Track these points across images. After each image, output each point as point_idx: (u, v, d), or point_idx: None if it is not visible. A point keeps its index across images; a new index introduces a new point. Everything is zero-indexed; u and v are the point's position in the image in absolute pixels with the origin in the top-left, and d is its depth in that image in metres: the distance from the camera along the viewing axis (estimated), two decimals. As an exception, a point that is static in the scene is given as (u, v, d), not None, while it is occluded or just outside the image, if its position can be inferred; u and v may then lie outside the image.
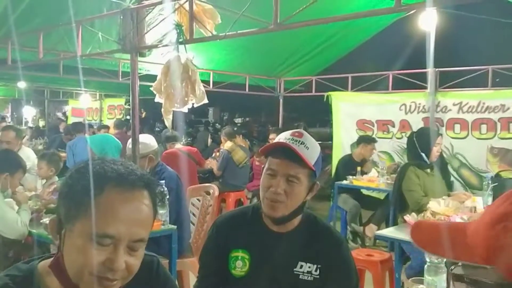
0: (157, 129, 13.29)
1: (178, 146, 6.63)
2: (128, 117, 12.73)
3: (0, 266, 3.38)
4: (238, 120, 21.39)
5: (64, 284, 1.10)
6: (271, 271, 1.77)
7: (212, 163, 7.51)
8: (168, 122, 3.45)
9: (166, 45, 3.34)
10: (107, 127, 9.80)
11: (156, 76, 6.60)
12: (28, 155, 4.97)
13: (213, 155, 8.04)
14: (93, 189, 1.06)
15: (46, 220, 3.37)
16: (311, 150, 1.71)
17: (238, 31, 3.00)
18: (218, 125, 17.86)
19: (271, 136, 7.62)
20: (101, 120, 11.77)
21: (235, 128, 9.09)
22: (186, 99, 3.29)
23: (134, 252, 1.08)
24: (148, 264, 1.26)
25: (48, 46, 5.02)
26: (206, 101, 3.44)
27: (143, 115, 13.96)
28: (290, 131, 1.76)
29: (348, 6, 5.49)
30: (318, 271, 1.75)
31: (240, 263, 1.80)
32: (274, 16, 2.81)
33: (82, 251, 1.04)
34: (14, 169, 3.48)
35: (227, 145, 7.26)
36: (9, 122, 13.89)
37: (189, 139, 10.31)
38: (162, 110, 3.43)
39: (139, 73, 4.11)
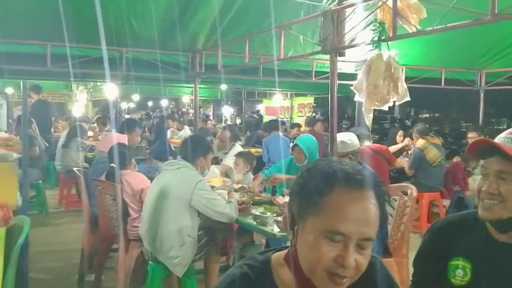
0: (344, 126, 13.39)
1: (367, 143, 6.56)
2: (314, 115, 13.14)
3: (211, 250, 3.83)
4: (426, 116, 20.19)
5: (297, 277, 1.18)
6: (496, 285, 1.64)
7: (403, 162, 7.25)
8: (368, 121, 3.46)
9: (368, 44, 3.33)
10: (299, 125, 10.24)
11: (348, 74, 6.70)
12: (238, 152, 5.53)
13: (404, 153, 7.76)
14: (323, 188, 1.12)
15: (254, 211, 3.72)
16: None
17: (448, 24, 2.83)
18: (408, 122, 17.05)
19: (470, 135, 7.00)
20: (291, 118, 12.36)
21: (427, 125, 8.60)
22: (387, 97, 3.25)
23: (362, 250, 1.12)
24: (372, 265, 1.27)
25: (252, 51, 5.45)
26: (408, 98, 3.35)
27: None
28: (508, 131, 1.61)
29: None
30: None
31: (460, 272, 1.70)
32: (491, 6, 2.58)
33: (314, 247, 1.10)
34: (206, 152, 3.85)
35: (419, 142, 6.92)
36: (211, 119, 15.59)
37: (376, 136, 10.13)
38: (363, 109, 3.44)
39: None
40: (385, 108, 3.46)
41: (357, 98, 3.56)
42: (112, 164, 4.21)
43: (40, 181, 6.75)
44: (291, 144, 6.83)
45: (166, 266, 3.49)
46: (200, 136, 4.78)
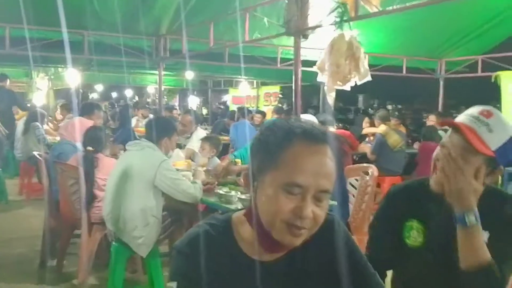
0: (310, 114, 13.52)
1: (331, 129, 6.67)
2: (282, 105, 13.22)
3: (175, 231, 3.84)
4: (389, 107, 20.61)
5: (257, 231, 1.21)
6: (447, 248, 1.71)
7: (365, 148, 7.41)
8: (331, 100, 3.52)
9: (331, 24, 3.38)
10: (264, 113, 10.29)
11: (312, 61, 6.78)
12: (200, 136, 5.51)
13: (367, 139, 7.92)
14: (282, 142, 1.15)
15: (219, 191, 3.74)
16: (495, 134, 1.60)
17: (407, 4, 2.92)
18: (371, 110, 17.42)
19: (430, 117, 7.22)
20: (257, 107, 12.40)
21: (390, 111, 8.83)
22: (349, 76, 3.32)
23: (319, 203, 1.15)
24: (329, 222, 1.30)
25: (217, 37, 5.44)
26: (369, 78, 3.43)
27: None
28: (479, 108, 1.65)
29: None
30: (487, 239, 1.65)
31: (414, 233, 1.77)
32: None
33: (273, 200, 1.13)
34: (171, 132, 3.83)
35: (381, 128, 7.09)
36: (176, 109, 15.42)
37: (340, 125, 10.32)
38: (325, 88, 3.50)
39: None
40: (347, 88, 3.53)
41: (319, 78, 3.62)
42: (88, 148, 4.15)
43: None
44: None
45: (130, 246, 3.47)
46: (165, 117, 4.75)
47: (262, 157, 1.18)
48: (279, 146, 1.15)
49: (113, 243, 3.55)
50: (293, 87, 3.80)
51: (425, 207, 1.77)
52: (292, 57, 6.62)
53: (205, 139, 5.18)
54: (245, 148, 4.92)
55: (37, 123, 7.11)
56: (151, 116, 10.71)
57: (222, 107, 19.51)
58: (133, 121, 10.12)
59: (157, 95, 19.70)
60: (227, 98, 17.37)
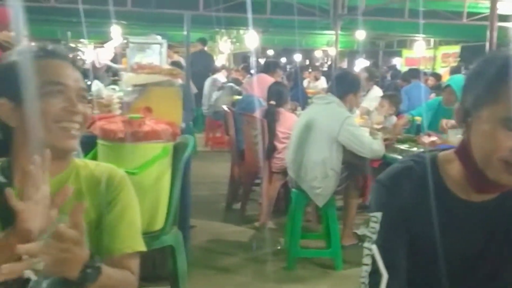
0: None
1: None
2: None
3: (350, 185, 3.89)
4: None
5: (468, 169, 1.16)
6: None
7: None
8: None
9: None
10: (439, 76, 9.60)
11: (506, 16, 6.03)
12: (377, 94, 5.44)
13: None
14: (502, 74, 1.07)
15: (399, 146, 3.70)
16: None
17: None
18: None
19: None
20: (433, 69, 11.59)
21: None
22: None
23: None
24: None
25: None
26: None
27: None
28: None
29: None
30: None
31: None
32: None
33: (491, 136, 1.07)
34: (356, 88, 3.81)
35: None
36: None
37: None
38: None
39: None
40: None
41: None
42: (271, 102, 4.43)
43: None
44: (433, 95, 6.52)
45: (308, 194, 3.64)
46: (351, 72, 4.78)
47: (478, 90, 1.12)
48: (498, 78, 1.08)
49: (293, 190, 3.76)
50: (488, 45, 3.44)
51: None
52: (480, 10, 6.00)
53: (385, 96, 5.12)
54: (424, 104, 4.74)
55: (232, 84, 7.85)
56: (322, 78, 10.87)
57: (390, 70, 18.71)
58: (305, 83, 10.39)
59: (325, 58, 19.77)
60: (396, 61, 16.58)
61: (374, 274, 1.15)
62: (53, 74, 1.20)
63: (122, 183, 1.31)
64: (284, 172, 4.22)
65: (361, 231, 4.17)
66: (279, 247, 3.94)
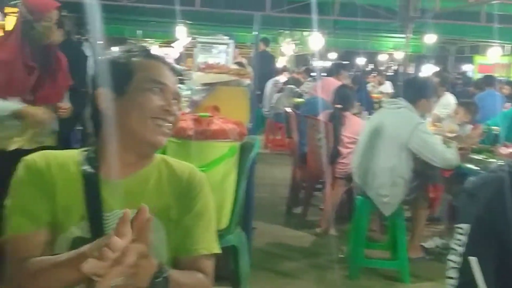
0: None
1: None
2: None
3: (419, 196, 3.69)
4: None
5: None
6: None
7: None
8: None
9: None
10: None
11: None
12: (449, 101, 5.21)
13: None
14: None
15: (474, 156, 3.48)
16: None
17: None
18: None
19: None
20: (509, 77, 10.93)
21: None
22: None
23: None
24: None
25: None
26: None
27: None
28: None
29: None
30: None
31: None
32: None
33: None
34: (429, 94, 3.63)
35: None
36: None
37: None
38: None
39: None
40: None
41: None
42: (337, 105, 4.33)
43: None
44: (508, 104, 6.16)
45: (374, 202, 3.49)
46: (424, 77, 4.61)
47: None
48: None
49: (359, 196, 3.62)
50: None
51: None
52: None
53: (461, 104, 4.90)
54: (501, 114, 4.46)
55: (292, 86, 7.81)
56: (387, 83, 10.56)
57: (460, 77, 17.94)
58: (369, 87, 10.13)
59: (389, 63, 19.23)
60: (467, 68, 15.87)
61: None
62: (156, 73, 1.24)
63: (202, 183, 1.29)
64: (348, 178, 4.09)
65: (428, 244, 3.98)
66: (341, 255, 3.81)
